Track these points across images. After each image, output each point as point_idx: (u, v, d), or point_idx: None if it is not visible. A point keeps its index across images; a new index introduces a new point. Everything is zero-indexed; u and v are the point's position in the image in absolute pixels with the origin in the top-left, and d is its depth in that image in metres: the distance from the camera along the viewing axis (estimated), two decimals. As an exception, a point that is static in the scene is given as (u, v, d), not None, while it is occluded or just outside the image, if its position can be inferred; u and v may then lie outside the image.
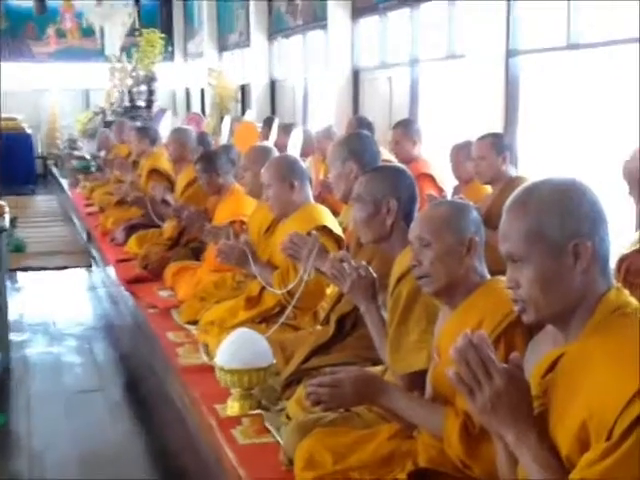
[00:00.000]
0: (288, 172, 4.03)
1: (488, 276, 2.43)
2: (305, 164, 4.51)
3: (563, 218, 1.71)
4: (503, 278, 2.34)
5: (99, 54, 16.70)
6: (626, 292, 1.75)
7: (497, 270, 2.44)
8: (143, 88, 12.97)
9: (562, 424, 1.64)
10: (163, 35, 13.78)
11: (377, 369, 3.05)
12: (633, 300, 1.73)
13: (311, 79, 11.83)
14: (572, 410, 1.61)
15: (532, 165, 6.47)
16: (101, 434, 4.23)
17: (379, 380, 2.51)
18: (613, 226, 1.79)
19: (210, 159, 5.41)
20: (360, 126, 6.05)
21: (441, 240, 2.40)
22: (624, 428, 1.51)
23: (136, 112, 12.73)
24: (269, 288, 3.97)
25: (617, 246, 3.19)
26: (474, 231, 2.41)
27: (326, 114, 10.46)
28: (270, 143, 6.73)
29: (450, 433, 2.26)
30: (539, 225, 1.72)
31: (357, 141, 3.75)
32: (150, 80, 12.97)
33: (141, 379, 4.96)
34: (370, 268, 2.94)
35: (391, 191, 2.93)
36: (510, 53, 6.72)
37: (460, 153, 5.10)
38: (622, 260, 3.26)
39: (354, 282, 2.89)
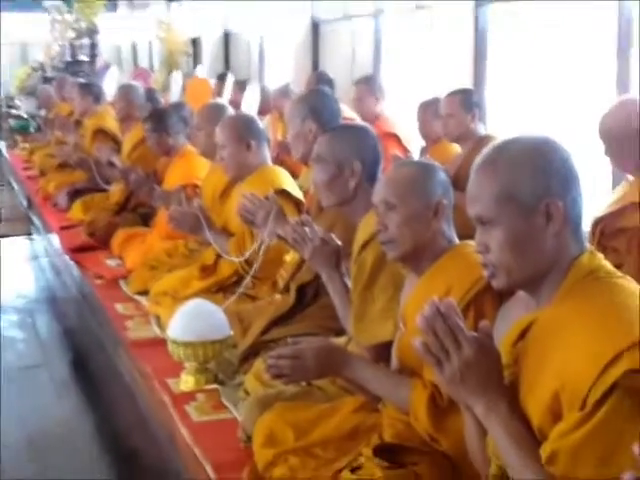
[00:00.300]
0: (244, 132, 4.01)
1: (457, 240, 2.46)
2: (262, 123, 4.49)
3: (534, 177, 1.73)
4: (473, 242, 2.37)
5: (37, 4, 16.38)
6: (600, 255, 1.77)
7: (466, 234, 2.46)
8: (85, 41, 12.80)
9: (533, 394, 1.67)
10: (106, -17, 13.58)
11: (341, 340, 3.08)
12: (606, 264, 1.76)
13: (268, 32, 11.73)
14: (543, 379, 1.64)
15: (502, 123, 6.50)
16: (48, 413, 4.23)
17: (343, 351, 2.54)
18: (587, 187, 1.81)
19: (160, 117, 5.37)
20: (320, 82, 6.04)
21: (407, 203, 2.41)
22: (598, 397, 1.54)
23: (78, 67, 12.58)
24: (225, 256, 3.97)
25: (591, 208, 3.23)
26: (442, 193, 2.43)
27: (284, 70, 10.40)
28: (224, 100, 6.69)
29: (417, 406, 2.29)
30: (509, 185, 1.74)
31: (316, 98, 3.75)
32: (92, 32, 12.81)
33: (88, 354, 4.95)
34: (333, 234, 2.95)
35: (355, 152, 2.93)
36: (479, 2, 6.71)
37: (427, 111, 5.12)
38: (596, 223, 3.30)
39: (316, 248, 2.90)
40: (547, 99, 6.18)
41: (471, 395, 1.69)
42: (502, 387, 1.70)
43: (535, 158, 1.74)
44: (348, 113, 5.94)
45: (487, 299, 2.23)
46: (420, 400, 2.29)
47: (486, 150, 1.82)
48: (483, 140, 4.31)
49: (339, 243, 2.92)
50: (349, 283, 2.88)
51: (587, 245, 1.79)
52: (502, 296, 2.13)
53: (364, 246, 2.75)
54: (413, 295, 2.41)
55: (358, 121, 5.41)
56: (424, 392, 2.28)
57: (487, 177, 1.77)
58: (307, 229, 2.93)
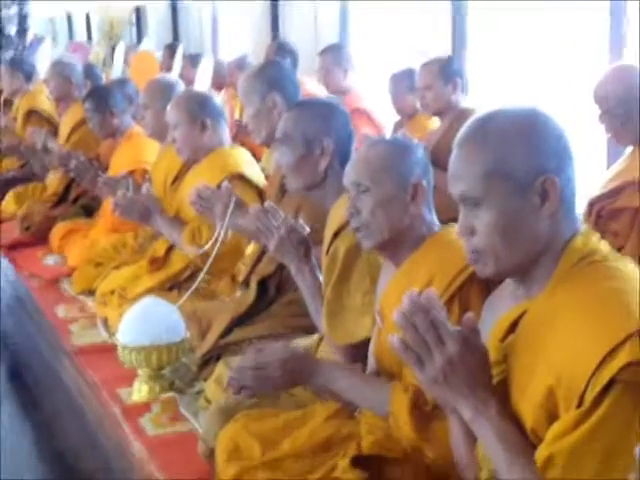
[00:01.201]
0: (199, 109, 4.00)
1: (438, 225, 2.47)
2: (218, 100, 4.49)
3: (528, 151, 1.73)
4: (454, 227, 2.39)
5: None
6: (595, 237, 1.78)
7: (449, 218, 2.48)
8: (13, 11, 12.65)
9: (525, 393, 1.68)
10: (36, -56, 13.43)
11: (311, 339, 3.09)
12: (602, 246, 1.77)
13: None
14: (536, 376, 1.65)
15: (484, 94, 6.53)
16: (-19, 431, 4.20)
17: (311, 359, 2.54)
18: (579, 164, 1.82)
19: (101, 96, 5.34)
20: (281, 53, 6.04)
21: (381, 185, 2.42)
22: (596, 393, 1.56)
23: (5, 41, 12.43)
24: (179, 248, 3.96)
25: (584, 188, 3.27)
26: (420, 174, 2.43)
27: (240, 41, 10.36)
28: (174, 75, 6.67)
29: (397, 412, 2.30)
30: (500, 160, 1.74)
31: (275, 70, 3.71)
32: (21, 2, 12.65)
33: (26, 364, 4.91)
34: (300, 220, 2.95)
35: (325, 129, 2.94)
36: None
37: (401, 83, 5.14)
38: (592, 204, 3.34)
39: (283, 238, 2.90)
40: (534, 66, 6.21)
41: (456, 397, 1.70)
42: (490, 386, 1.71)
43: (528, 131, 1.75)
44: (313, 88, 5.96)
45: (473, 290, 2.25)
46: (401, 405, 2.29)
47: (470, 123, 1.81)
48: (464, 113, 4.33)
49: (307, 230, 2.92)
50: (320, 276, 2.89)
51: (580, 226, 1.79)
52: (489, 287, 2.15)
53: (336, 234, 2.76)
54: (391, 287, 2.42)
55: (325, 95, 5.43)
56: (405, 396, 2.29)
57: (474, 152, 1.77)
58: (271, 216, 2.93)
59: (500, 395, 1.72)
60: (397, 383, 2.34)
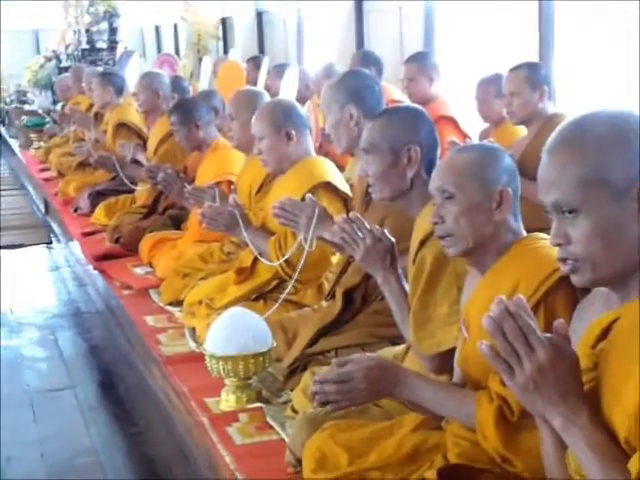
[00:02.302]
0: (284, 120, 4.02)
1: (524, 233, 2.44)
2: (303, 110, 4.51)
3: (626, 157, 1.70)
4: (541, 235, 2.36)
5: (48, -13, 16.58)
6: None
7: (535, 228, 2.45)
8: (103, 26, 12.93)
9: (618, 401, 1.65)
10: (125, -39, 13.70)
11: (396, 350, 3.08)
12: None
13: (306, 9, 11.76)
14: (630, 384, 1.62)
15: (572, 100, 6.45)
16: (74, 440, 4.27)
17: (396, 368, 2.51)
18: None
19: (187, 109, 5.41)
20: (366, 63, 6.03)
21: (466, 192, 2.41)
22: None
23: (97, 55, 12.71)
24: (262, 260, 3.99)
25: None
26: (506, 181, 2.41)
27: (325, 51, 10.40)
28: (260, 86, 6.72)
29: (484, 422, 2.28)
30: (598, 166, 1.71)
31: (355, 80, 3.72)
32: (111, 16, 12.92)
33: (118, 374, 5.00)
34: (385, 230, 2.95)
35: (411, 137, 2.93)
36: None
37: (488, 89, 5.09)
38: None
39: (369, 248, 2.89)
40: (623, 73, 6.11)
41: (547, 405, 1.67)
42: (581, 395, 1.68)
43: (626, 136, 1.72)
44: (397, 95, 5.95)
45: (559, 297, 2.22)
46: (487, 415, 2.27)
47: (563, 127, 1.78)
48: (553, 119, 4.27)
49: (392, 240, 2.92)
50: (407, 285, 2.88)
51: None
52: (576, 294, 2.12)
53: (423, 242, 2.75)
54: (476, 295, 2.40)
55: (409, 103, 5.42)
56: (491, 406, 2.27)
57: (570, 159, 1.74)
58: (356, 227, 2.92)
59: (591, 403, 1.69)
60: (483, 393, 2.32)
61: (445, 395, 2.43)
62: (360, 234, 2.90)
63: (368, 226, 2.92)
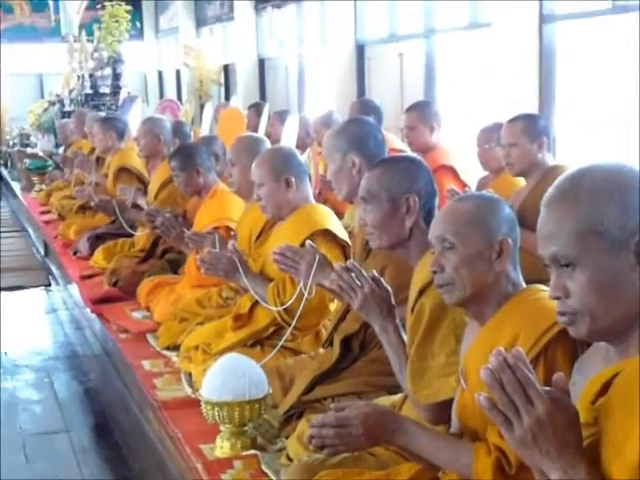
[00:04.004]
0: (283, 167, 4.03)
1: (523, 284, 2.44)
2: (303, 157, 4.52)
3: (623, 209, 1.70)
4: (541, 287, 2.35)
5: (54, 33, 16.75)
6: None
7: (535, 279, 2.44)
8: (107, 72, 13.01)
9: (619, 457, 1.63)
10: (130, 8, 13.83)
11: (394, 399, 3.05)
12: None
13: (307, 57, 11.85)
14: (632, 440, 1.60)
15: (572, 152, 6.48)
16: (67, 485, 4.23)
17: (394, 416, 2.50)
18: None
19: (187, 154, 5.41)
20: (365, 111, 6.06)
21: (466, 241, 2.40)
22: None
23: (100, 100, 12.77)
24: (263, 304, 3.98)
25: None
26: (506, 231, 2.41)
27: (326, 98, 10.48)
28: (260, 133, 6.75)
29: (482, 473, 2.25)
30: (594, 219, 1.71)
31: (357, 128, 3.73)
32: (115, 62, 13.01)
33: (113, 417, 4.96)
34: (383, 279, 2.94)
35: (410, 186, 2.93)
36: (545, 19, 6.73)
37: (489, 136, 5.10)
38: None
39: (366, 296, 2.88)
40: (625, 124, 6.14)
41: (545, 459, 1.65)
42: (580, 449, 1.66)
43: (621, 188, 1.72)
44: (397, 144, 5.97)
45: (559, 350, 2.21)
46: (485, 468, 2.25)
47: (560, 181, 1.79)
48: (552, 171, 4.27)
49: (389, 289, 2.90)
50: (405, 335, 2.86)
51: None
52: (576, 347, 2.10)
53: (422, 292, 2.74)
54: (475, 345, 2.39)
55: (408, 153, 5.43)
56: (489, 458, 2.24)
57: (566, 211, 1.74)
58: (354, 275, 2.91)
59: (591, 458, 1.67)
60: (480, 445, 2.29)
61: (442, 444, 2.40)
62: (358, 282, 2.89)
63: (366, 274, 2.91)
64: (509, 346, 2.08)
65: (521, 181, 4.73)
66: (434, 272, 2.46)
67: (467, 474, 2.30)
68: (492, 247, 2.39)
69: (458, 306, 2.47)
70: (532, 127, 4.54)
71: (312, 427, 2.45)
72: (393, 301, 2.90)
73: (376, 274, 2.94)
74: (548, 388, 1.66)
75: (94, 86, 12.95)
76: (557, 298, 1.77)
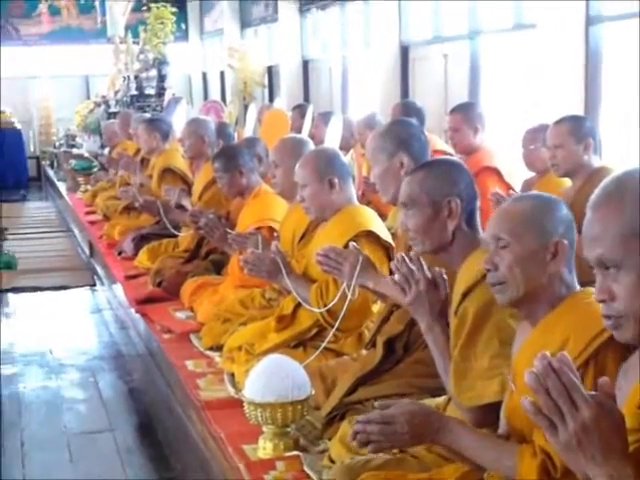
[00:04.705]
0: (327, 168, 4.03)
1: (577, 287, 2.42)
2: (346, 158, 4.51)
3: None
4: (594, 290, 2.33)
5: (100, 34, 16.88)
6: None
7: (586, 282, 2.41)
8: (152, 73, 13.08)
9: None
10: (175, 10, 13.89)
11: (437, 401, 3.04)
12: None
13: (351, 58, 11.84)
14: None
15: (618, 153, 6.41)
16: (111, 484, 4.27)
17: (439, 415, 2.50)
18: None
19: (230, 156, 5.43)
20: (407, 113, 6.05)
21: (521, 241, 2.39)
22: None
23: (145, 101, 12.85)
24: (306, 305, 3.98)
25: None
26: (562, 232, 2.39)
27: (369, 99, 10.46)
28: (304, 134, 6.75)
29: (526, 476, 2.24)
30: (638, 221, 1.70)
31: (402, 129, 3.72)
32: (161, 63, 13.07)
33: (156, 417, 4.99)
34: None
35: (451, 190, 2.92)
36: (591, 20, 6.67)
37: (535, 137, 5.06)
38: None
39: (420, 292, 2.87)
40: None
41: (590, 464, 1.64)
42: (626, 455, 1.65)
43: None
44: (440, 145, 5.95)
45: (610, 355, 2.18)
46: (529, 470, 2.23)
47: (605, 184, 1.78)
48: (598, 173, 4.24)
49: (447, 290, 2.88)
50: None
51: None
52: (627, 353, 2.08)
53: (465, 295, 2.73)
54: (525, 347, 2.38)
55: (451, 154, 5.41)
56: (534, 461, 2.23)
57: (612, 214, 1.74)
58: (415, 268, 2.89)
59: (636, 464, 1.65)
60: (526, 447, 2.28)
61: (487, 445, 2.39)
62: (415, 276, 2.88)
63: (426, 270, 2.89)
64: (560, 348, 2.08)
65: (567, 182, 4.70)
66: (488, 270, 2.45)
67: (511, 475, 2.29)
68: (547, 248, 2.37)
69: (510, 306, 2.46)
70: (578, 128, 4.50)
71: (357, 423, 2.45)
72: (448, 302, 2.88)
73: (443, 272, 2.90)
74: (594, 393, 1.65)
75: (139, 87, 13.02)
76: (603, 301, 1.76)
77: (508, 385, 2.42)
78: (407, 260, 2.91)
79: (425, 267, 2.90)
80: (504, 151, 5.89)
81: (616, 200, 1.74)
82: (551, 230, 2.39)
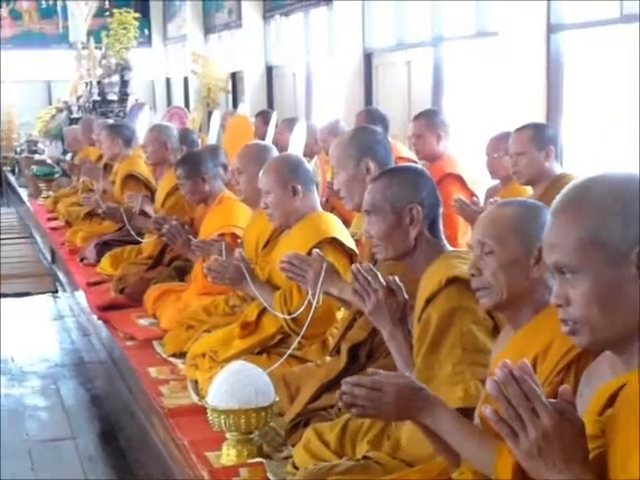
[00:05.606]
0: (290, 175, 4.03)
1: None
2: (310, 165, 4.51)
3: (625, 220, 1.70)
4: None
5: (62, 39, 16.80)
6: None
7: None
8: (115, 79, 13.03)
9: (625, 470, 1.62)
10: (138, 15, 13.86)
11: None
12: None
13: (315, 65, 11.87)
14: (634, 455, 1.59)
15: (580, 161, 6.47)
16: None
17: (427, 394, 2.43)
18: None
19: (193, 162, 5.41)
20: (371, 120, 6.06)
21: (506, 247, 2.40)
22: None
23: (107, 107, 12.79)
24: (272, 311, 3.97)
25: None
26: None
27: (333, 106, 10.49)
28: (268, 141, 6.75)
29: (501, 474, 2.23)
30: (597, 229, 1.72)
31: (367, 136, 3.74)
32: (123, 69, 13.03)
33: (119, 424, 4.97)
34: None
35: (413, 197, 2.94)
36: (552, 28, 6.73)
37: (498, 145, 5.10)
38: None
39: (379, 301, 2.88)
40: (633, 133, 6.14)
41: (551, 471, 1.65)
42: (587, 462, 1.66)
43: (625, 199, 1.72)
44: (404, 152, 5.98)
45: (591, 360, 2.17)
46: (506, 467, 2.21)
47: (565, 191, 1.79)
48: (559, 180, 4.28)
49: (406, 297, 2.90)
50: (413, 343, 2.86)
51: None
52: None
53: (429, 301, 2.74)
54: (507, 350, 2.38)
55: (415, 161, 5.44)
56: (511, 458, 2.22)
57: (570, 221, 1.75)
58: (371, 278, 2.90)
59: (597, 471, 1.66)
60: (503, 443, 2.27)
61: (468, 433, 2.35)
62: (373, 286, 2.89)
63: (381, 279, 2.90)
64: (542, 353, 2.10)
65: (529, 190, 4.74)
66: (472, 275, 2.46)
67: (484, 469, 2.26)
68: (531, 253, 2.39)
69: (494, 310, 2.49)
70: (540, 136, 4.54)
71: (345, 384, 2.40)
72: (408, 309, 2.89)
73: (397, 280, 2.92)
74: (554, 400, 1.66)
75: (102, 93, 12.96)
76: (559, 306, 1.78)
77: (482, 390, 2.42)
78: (362, 270, 2.92)
79: (380, 276, 2.91)
80: (467, 158, 5.92)
81: (576, 206, 1.75)
82: (535, 236, 2.38)
